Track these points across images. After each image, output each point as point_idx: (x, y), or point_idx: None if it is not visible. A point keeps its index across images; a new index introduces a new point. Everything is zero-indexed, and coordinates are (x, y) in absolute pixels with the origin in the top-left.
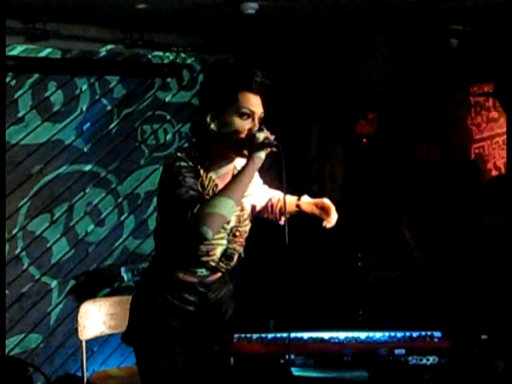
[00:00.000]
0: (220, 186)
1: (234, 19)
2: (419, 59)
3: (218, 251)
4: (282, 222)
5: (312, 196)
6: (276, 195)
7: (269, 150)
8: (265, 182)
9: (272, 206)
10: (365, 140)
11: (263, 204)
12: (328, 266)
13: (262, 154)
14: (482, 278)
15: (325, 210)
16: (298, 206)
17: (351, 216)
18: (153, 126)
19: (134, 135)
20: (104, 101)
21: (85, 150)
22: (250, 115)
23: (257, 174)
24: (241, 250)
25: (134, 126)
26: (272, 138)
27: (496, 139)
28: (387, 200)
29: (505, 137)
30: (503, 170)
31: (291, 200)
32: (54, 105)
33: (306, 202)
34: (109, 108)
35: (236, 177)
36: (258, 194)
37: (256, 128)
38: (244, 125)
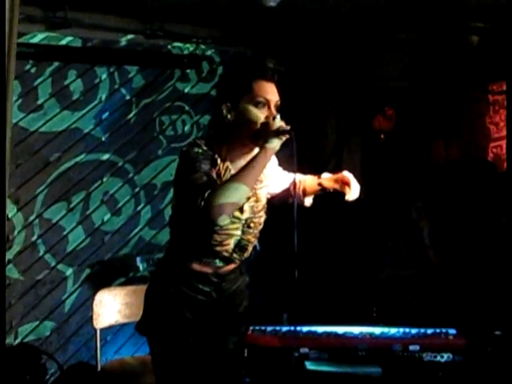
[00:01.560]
0: None
1: (254, 11)
2: (439, 56)
3: (232, 242)
4: (307, 204)
5: (329, 193)
6: (297, 178)
7: (283, 138)
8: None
9: (294, 189)
10: (382, 136)
11: (287, 186)
12: (343, 261)
13: (276, 142)
14: (496, 276)
15: (345, 183)
16: (319, 184)
17: (367, 212)
18: (171, 117)
19: (152, 125)
20: (123, 90)
21: (103, 139)
22: (266, 103)
23: (275, 162)
24: (255, 241)
25: (152, 117)
26: (287, 127)
27: None
28: (402, 196)
29: None
30: None
31: (312, 180)
32: (73, 93)
33: (327, 178)
34: (128, 98)
35: (249, 164)
36: (278, 180)
37: (272, 116)
38: (260, 113)
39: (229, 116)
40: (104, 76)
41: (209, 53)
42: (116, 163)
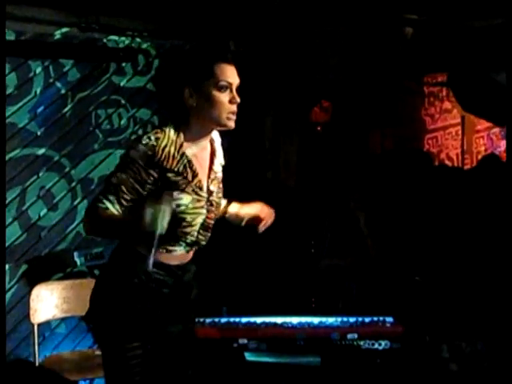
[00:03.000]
0: (194, 163)
1: (190, 3)
2: (374, 48)
3: (199, 221)
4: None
5: (266, 183)
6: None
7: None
8: None
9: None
10: (319, 128)
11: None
12: (281, 252)
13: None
14: (434, 265)
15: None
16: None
17: (305, 203)
18: (107, 111)
19: (88, 119)
20: (58, 84)
21: (38, 133)
22: (228, 87)
23: (221, 154)
24: (212, 222)
25: (88, 110)
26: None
27: (449, 130)
28: (339, 187)
29: (458, 127)
30: (455, 161)
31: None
32: (7, 87)
33: (233, 212)
34: (63, 92)
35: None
36: None
37: (236, 99)
38: (223, 97)
39: (190, 100)
40: (38, 70)
41: (144, 46)
42: (52, 158)
